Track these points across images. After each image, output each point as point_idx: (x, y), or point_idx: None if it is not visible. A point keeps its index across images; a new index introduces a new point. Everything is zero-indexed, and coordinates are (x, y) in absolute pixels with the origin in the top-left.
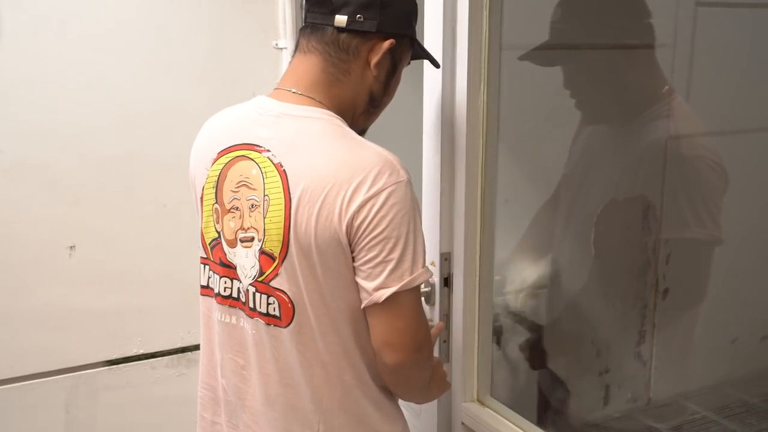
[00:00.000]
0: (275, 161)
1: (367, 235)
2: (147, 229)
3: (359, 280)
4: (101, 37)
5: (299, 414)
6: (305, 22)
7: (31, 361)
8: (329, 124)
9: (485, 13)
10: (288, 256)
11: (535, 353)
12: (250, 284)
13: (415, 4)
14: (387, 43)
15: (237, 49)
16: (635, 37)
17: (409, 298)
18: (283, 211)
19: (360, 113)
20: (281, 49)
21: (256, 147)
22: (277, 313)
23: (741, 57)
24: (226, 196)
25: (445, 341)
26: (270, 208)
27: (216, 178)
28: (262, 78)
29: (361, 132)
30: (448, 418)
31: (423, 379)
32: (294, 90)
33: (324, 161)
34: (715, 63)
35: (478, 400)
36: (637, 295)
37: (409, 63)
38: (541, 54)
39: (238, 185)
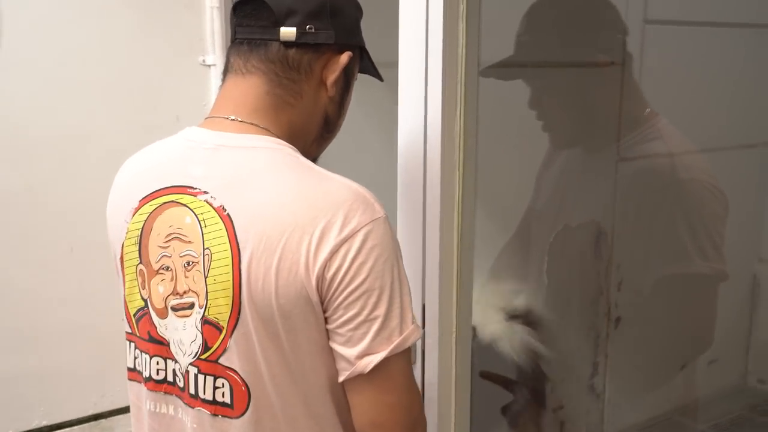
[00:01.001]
0: (215, 204)
1: (344, 289)
2: (49, 278)
3: (336, 347)
4: None
5: None
6: (236, 37)
7: None
8: (281, 154)
9: (462, 25)
10: (240, 324)
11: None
12: (191, 363)
13: (361, 10)
14: (345, 57)
15: (158, 66)
16: (607, 55)
17: (400, 365)
18: (230, 267)
19: (313, 140)
20: (209, 66)
21: (188, 189)
22: (227, 399)
23: (689, 75)
24: (153, 253)
25: None
26: (213, 265)
27: (139, 232)
28: (187, 99)
29: (313, 162)
30: None
31: None
32: (233, 117)
33: (279, 199)
34: (663, 81)
35: None
36: (590, 325)
37: (356, 78)
38: (505, 69)
39: (168, 239)
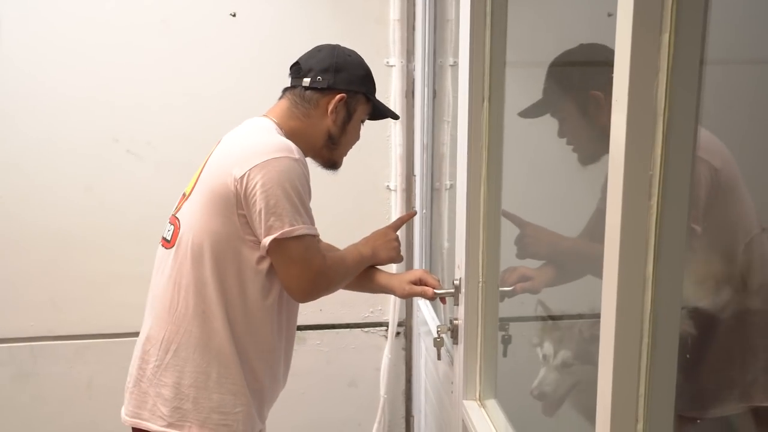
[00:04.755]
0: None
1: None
2: None
3: None
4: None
5: None
6: (289, 85)
7: None
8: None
9: (487, 32)
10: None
11: None
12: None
13: (367, 70)
14: (339, 96)
15: None
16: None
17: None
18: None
19: (321, 146)
20: (391, 66)
21: None
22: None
23: None
24: None
25: (455, 344)
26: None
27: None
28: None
29: (333, 164)
30: (456, 413)
31: None
32: (266, 114)
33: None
34: None
35: (479, 400)
36: None
37: (368, 118)
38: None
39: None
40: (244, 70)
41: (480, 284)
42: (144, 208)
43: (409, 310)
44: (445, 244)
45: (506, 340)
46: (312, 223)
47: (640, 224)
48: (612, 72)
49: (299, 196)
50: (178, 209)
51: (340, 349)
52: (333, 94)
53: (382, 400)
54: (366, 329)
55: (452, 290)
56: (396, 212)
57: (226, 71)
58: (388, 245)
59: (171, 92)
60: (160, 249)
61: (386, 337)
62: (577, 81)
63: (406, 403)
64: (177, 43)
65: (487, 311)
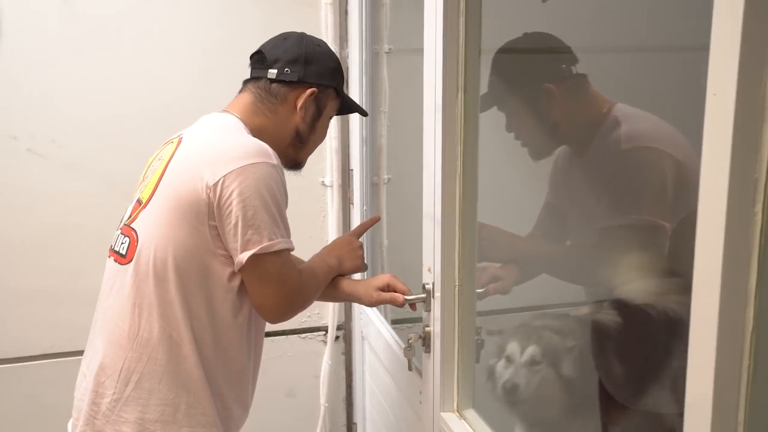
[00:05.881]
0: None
1: None
2: None
3: None
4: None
5: None
6: (250, 77)
7: None
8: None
9: (462, 19)
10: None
11: None
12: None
13: (338, 63)
14: (309, 91)
15: None
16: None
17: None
18: (162, 170)
19: (287, 145)
20: None
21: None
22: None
23: None
24: None
25: (426, 352)
26: (160, 168)
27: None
28: None
29: (297, 164)
30: (430, 426)
31: None
32: (227, 110)
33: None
34: None
35: (457, 411)
36: None
37: (336, 113)
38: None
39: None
40: (161, 57)
41: (456, 288)
42: (50, 214)
43: (348, 312)
44: (385, 242)
45: (479, 345)
46: (288, 234)
47: (743, 234)
48: (559, 62)
49: (277, 206)
50: (132, 218)
51: (276, 357)
52: (302, 89)
53: (322, 408)
54: (303, 335)
55: (423, 296)
56: (332, 209)
57: (141, 58)
58: (353, 254)
59: (77, 83)
60: (112, 264)
61: (325, 342)
62: (523, 73)
63: (347, 410)
64: (82, 27)
65: (463, 316)
